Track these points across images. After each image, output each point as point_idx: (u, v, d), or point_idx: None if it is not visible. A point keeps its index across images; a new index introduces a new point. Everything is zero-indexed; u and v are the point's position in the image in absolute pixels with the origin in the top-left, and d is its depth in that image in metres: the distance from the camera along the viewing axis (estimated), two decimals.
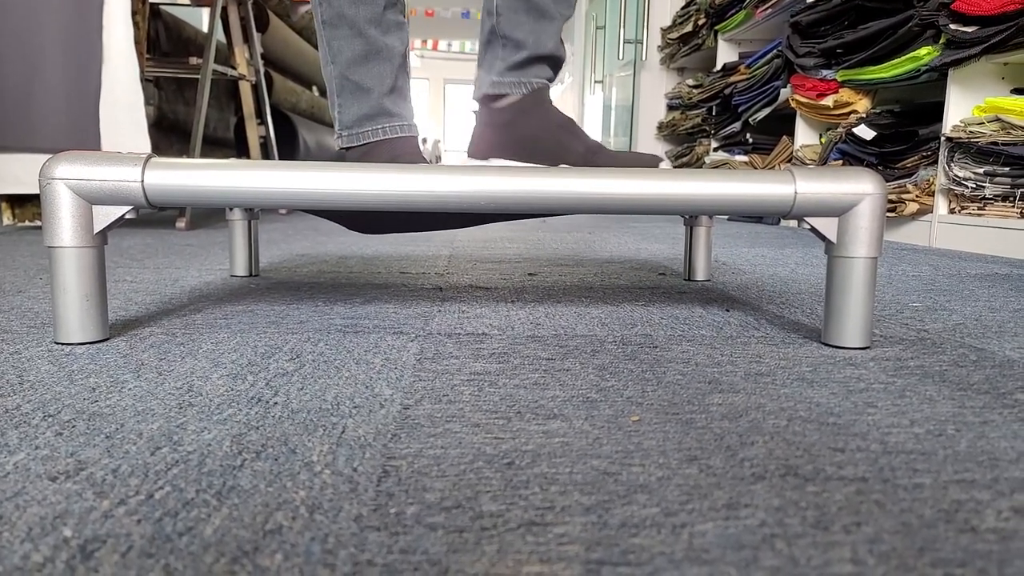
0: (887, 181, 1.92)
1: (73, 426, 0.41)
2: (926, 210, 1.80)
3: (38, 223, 1.77)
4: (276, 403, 0.47)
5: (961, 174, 1.65)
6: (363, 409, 0.46)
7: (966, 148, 1.64)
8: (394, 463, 0.37)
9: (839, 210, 0.65)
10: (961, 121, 1.66)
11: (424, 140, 12.13)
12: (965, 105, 1.69)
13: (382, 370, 0.55)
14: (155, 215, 2.45)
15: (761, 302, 0.91)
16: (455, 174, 0.64)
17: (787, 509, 0.33)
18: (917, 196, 1.79)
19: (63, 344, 0.62)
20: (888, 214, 1.88)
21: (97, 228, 0.62)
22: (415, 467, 0.37)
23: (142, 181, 0.61)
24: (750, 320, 0.79)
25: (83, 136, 1.64)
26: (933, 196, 1.78)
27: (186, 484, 0.34)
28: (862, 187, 0.64)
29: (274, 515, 0.31)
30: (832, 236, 0.66)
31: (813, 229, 0.66)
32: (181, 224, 1.90)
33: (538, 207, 0.65)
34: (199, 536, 0.29)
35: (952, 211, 1.74)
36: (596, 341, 0.67)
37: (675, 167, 3.43)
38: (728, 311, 0.84)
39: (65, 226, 0.61)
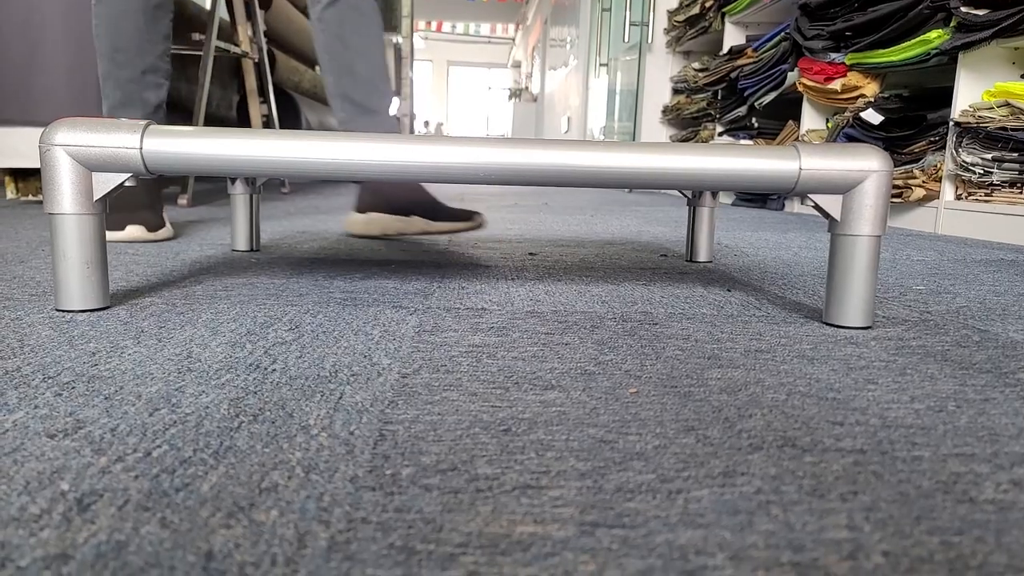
0: (894, 166, 1.91)
1: (72, 387, 0.41)
2: (932, 196, 1.79)
3: (41, 197, 1.77)
4: (274, 370, 0.47)
5: (969, 160, 1.64)
6: (361, 377, 0.46)
7: (974, 133, 1.63)
8: (391, 428, 0.37)
9: (844, 187, 0.64)
10: (970, 106, 1.64)
11: (427, 123, 12.07)
12: (974, 90, 1.68)
13: (380, 341, 0.55)
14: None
15: (763, 283, 0.91)
16: (456, 145, 0.64)
17: (783, 477, 0.33)
18: (924, 182, 1.78)
19: (64, 311, 0.62)
20: (894, 199, 1.87)
21: (97, 195, 0.62)
22: (412, 431, 0.37)
23: (141, 148, 0.61)
24: (751, 300, 0.78)
25: (85, 111, 1.64)
26: (940, 182, 1.77)
27: (183, 443, 0.34)
28: (867, 164, 0.64)
29: (270, 474, 0.31)
30: (836, 214, 0.65)
31: (817, 206, 0.66)
32: (183, 201, 1.89)
33: (542, 180, 0.65)
34: (195, 492, 0.29)
35: (959, 197, 1.73)
36: (595, 317, 0.67)
37: None
38: (729, 291, 0.84)
39: (65, 193, 0.61)
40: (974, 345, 0.60)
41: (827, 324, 0.67)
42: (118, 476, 0.30)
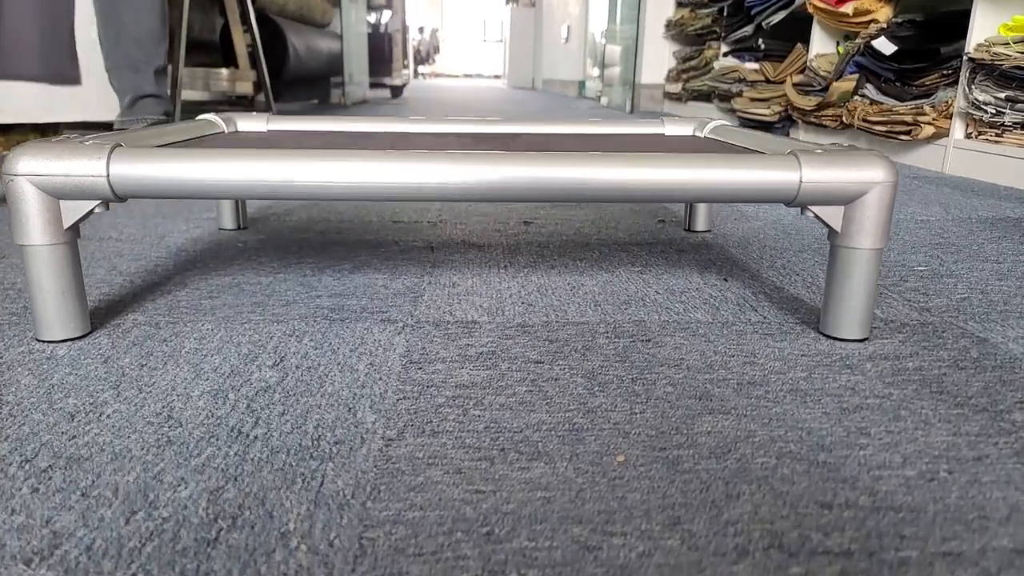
0: (904, 100, 1.84)
1: (50, 479, 0.41)
2: (942, 134, 1.73)
3: None
4: (256, 438, 0.46)
5: (981, 98, 1.58)
6: (344, 446, 0.45)
7: (988, 70, 1.56)
8: (371, 535, 0.36)
9: (846, 199, 0.62)
10: (986, 40, 1.56)
11: (421, 29, 11.64)
12: (991, 21, 1.59)
13: (366, 382, 0.54)
14: None
15: (761, 265, 0.89)
16: (439, 162, 0.61)
17: None
18: (934, 119, 1.72)
19: (44, 342, 0.61)
20: (903, 137, 1.82)
21: (67, 224, 0.60)
22: (392, 540, 0.36)
23: (107, 176, 0.58)
24: (748, 295, 0.77)
25: (59, 61, 1.57)
26: (950, 119, 1.71)
27: (159, 570, 0.34)
28: (872, 175, 0.61)
29: None
30: (836, 225, 0.63)
31: (817, 217, 0.63)
32: None
33: (528, 196, 0.62)
34: None
35: (968, 136, 1.68)
36: (587, 332, 0.65)
37: (682, 70, 3.27)
38: (726, 280, 0.82)
39: (34, 224, 0.59)
40: (971, 365, 0.59)
41: (823, 335, 0.66)
42: None
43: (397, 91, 5.51)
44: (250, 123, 1.00)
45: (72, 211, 0.60)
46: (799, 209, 0.63)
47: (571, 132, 1.02)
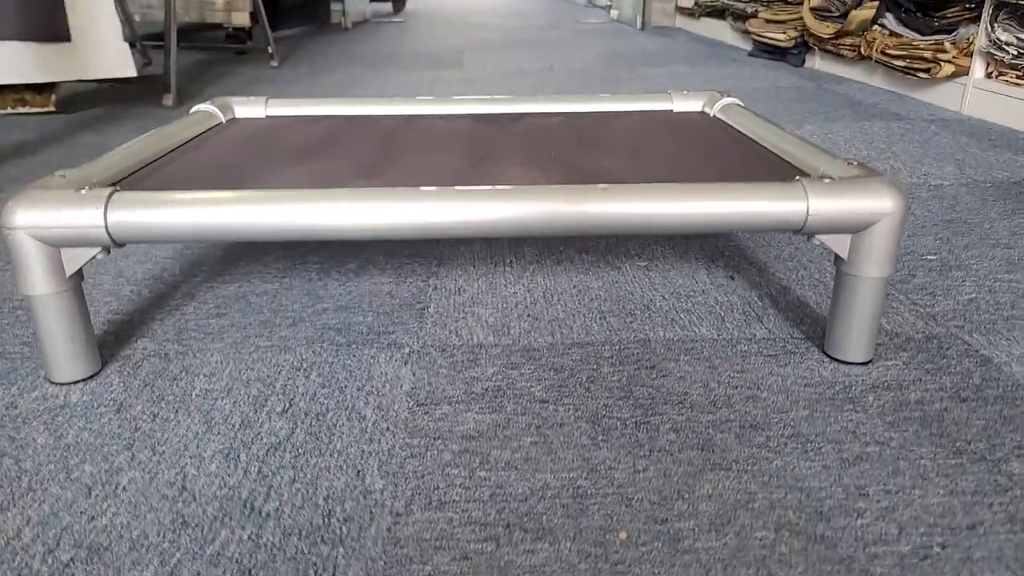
0: (924, 33, 1.76)
1: (72, 574, 0.43)
2: (961, 72, 1.66)
3: (20, 110, 1.69)
4: (268, 515, 0.47)
5: (1003, 37, 1.51)
6: (353, 524, 0.46)
7: (1013, 9, 1.48)
8: None
9: (853, 228, 0.60)
10: None
11: None
12: None
13: (374, 434, 0.55)
14: (137, 91, 2.31)
15: (768, 257, 0.88)
16: (444, 201, 0.59)
17: None
18: (954, 57, 1.65)
19: (56, 384, 0.62)
20: (921, 74, 1.75)
21: (69, 272, 0.60)
22: None
23: (105, 226, 0.57)
24: (753, 300, 0.76)
25: (47, 18, 1.51)
26: (971, 57, 1.64)
27: None
28: (881, 204, 0.59)
29: None
30: (843, 253, 0.62)
31: (823, 244, 0.62)
32: (168, 101, 1.80)
33: (526, 231, 0.61)
34: None
35: (989, 75, 1.61)
36: (592, 357, 0.66)
37: None
38: (732, 279, 0.82)
39: (36, 274, 0.59)
40: (973, 396, 0.60)
41: (827, 356, 0.66)
42: None
43: (399, 5, 5.29)
44: (248, 109, 0.97)
45: (74, 259, 0.60)
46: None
47: (577, 111, 0.99)
